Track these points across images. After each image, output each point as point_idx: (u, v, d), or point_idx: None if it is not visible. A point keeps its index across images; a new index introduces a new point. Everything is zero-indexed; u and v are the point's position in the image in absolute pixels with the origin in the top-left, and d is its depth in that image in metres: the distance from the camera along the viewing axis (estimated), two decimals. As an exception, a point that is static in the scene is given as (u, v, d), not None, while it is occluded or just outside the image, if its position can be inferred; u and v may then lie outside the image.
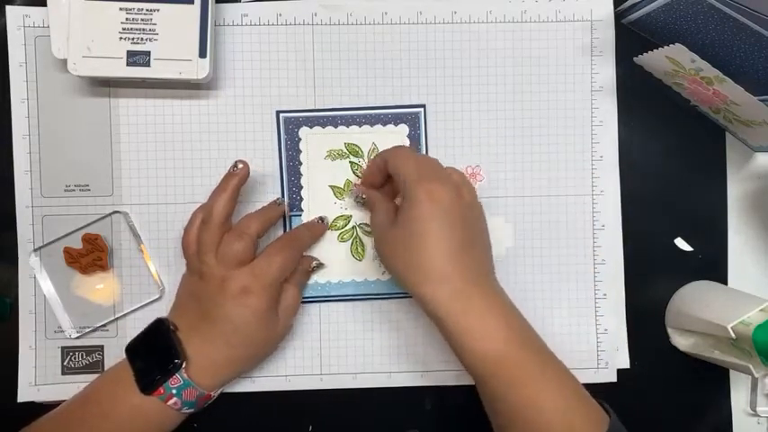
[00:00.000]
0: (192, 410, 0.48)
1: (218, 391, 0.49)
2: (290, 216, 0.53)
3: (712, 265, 0.55)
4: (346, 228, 0.53)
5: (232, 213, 0.49)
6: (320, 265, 0.53)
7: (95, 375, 0.52)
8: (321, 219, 0.53)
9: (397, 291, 0.53)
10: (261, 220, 0.49)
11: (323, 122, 0.53)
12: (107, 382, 0.48)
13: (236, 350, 0.47)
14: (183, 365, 0.46)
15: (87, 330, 0.53)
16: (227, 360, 0.48)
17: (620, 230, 0.54)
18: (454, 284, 0.44)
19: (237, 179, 0.49)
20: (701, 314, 0.50)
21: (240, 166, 0.49)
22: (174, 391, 0.46)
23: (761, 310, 0.46)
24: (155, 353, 0.47)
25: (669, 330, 0.54)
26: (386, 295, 0.53)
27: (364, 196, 0.51)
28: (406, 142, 0.53)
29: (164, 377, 0.45)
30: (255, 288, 0.46)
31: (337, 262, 0.53)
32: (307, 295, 0.53)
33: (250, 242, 0.47)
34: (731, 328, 0.46)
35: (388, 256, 0.47)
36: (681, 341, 0.54)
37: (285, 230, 0.53)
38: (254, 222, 0.48)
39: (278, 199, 0.52)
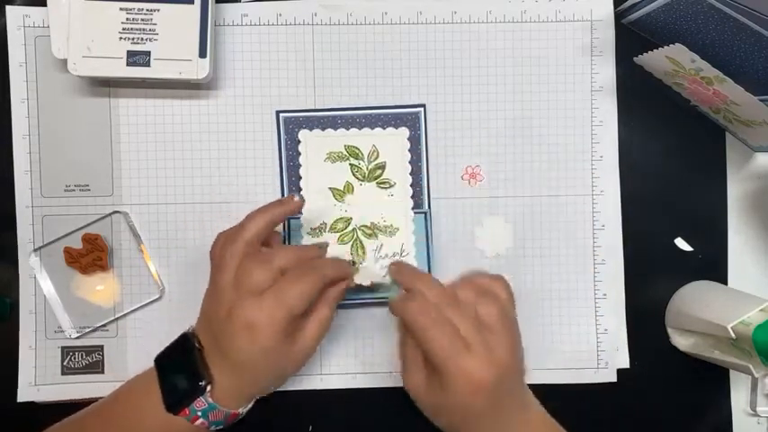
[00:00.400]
0: (221, 428, 0.46)
1: (249, 407, 0.48)
2: (289, 218, 0.53)
3: (712, 265, 0.55)
4: (346, 230, 0.53)
5: (264, 236, 0.46)
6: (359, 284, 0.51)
7: (95, 375, 0.52)
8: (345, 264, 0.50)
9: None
10: (292, 256, 0.45)
11: (323, 124, 0.53)
12: (135, 393, 0.47)
13: (255, 375, 0.45)
14: (208, 389, 0.44)
15: (87, 330, 0.53)
16: (250, 382, 0.45)
17: (620, 230, 0.54)
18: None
19: (284, 207, 0.46)
20: (701, 314, 0.49)
21: (296, 198, 0.47)
22: (199, 413, 0.44)
23: (761, 310, 0.46)
24: (180, 371, 0.45)
25: (669, 330, 0.54)
26: (387, 298, 0.53)
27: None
28: (407, 145, 0.53)
29: (189, 399, 0.44)
30: (262, 324, 0.42)
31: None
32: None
33: (271, 275, 0.43)
34: (731, 328, 0.46)
35: (430, 415, 0.46)
36: (681, 341, 0.54)
37: (284, 231, 0.53)
38: (283, 255, 0.44)
39: (322, 243, 0.50)
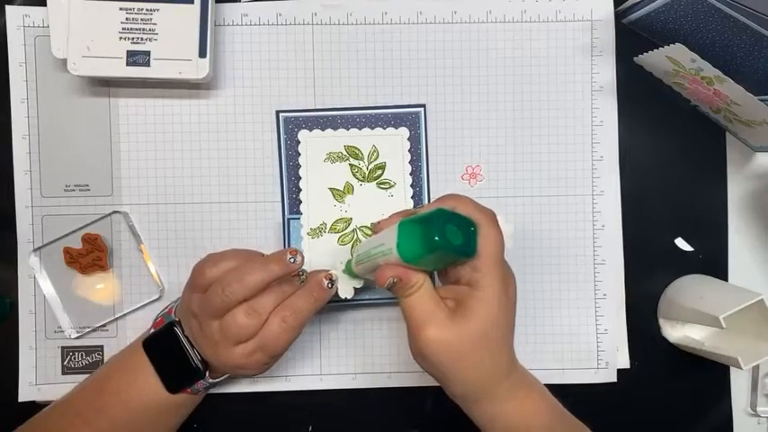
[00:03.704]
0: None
1: None
2: (289, 219, 0.53)
3: (713, 265, 0.55)
4: (346, 231, 0.53)
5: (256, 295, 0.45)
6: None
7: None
8: (331, 281, 0.46)
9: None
10: (278, 300, 0.45)
11: (323, 124, 0.53)
12: (125, 373, 0.48)
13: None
14: (207, 373, 0.47)
15: (87, 330, 0.53)
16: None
17: (620, 230, 0.54)
18: (511, 376, 0.42)
19: (285, 269, 0.44)
20: (694, 305, 0.50)
21: (298, 259, 0.44)
22: (200, 390, 0.48)
23: (753, 303, 0.47)
24: (176, 360, 0.47)
25: (660, 321, 0.55)
26: (387, 299, 0.53)
27: (395, 280, 0.40)
28: (407, 145, 0.53)
29: (190, 383, 0.47)
30: (249, 366, 0.46)
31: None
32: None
33: (259, 323, 0.44)
34: (723, 318, 0.46)
35: (450, 367, 0.41)
36: (671, 332, 0.54)
37: (284, 232, 0.53)
38: (271, 301, 0.45)
39: (301, 273, 0.46)
